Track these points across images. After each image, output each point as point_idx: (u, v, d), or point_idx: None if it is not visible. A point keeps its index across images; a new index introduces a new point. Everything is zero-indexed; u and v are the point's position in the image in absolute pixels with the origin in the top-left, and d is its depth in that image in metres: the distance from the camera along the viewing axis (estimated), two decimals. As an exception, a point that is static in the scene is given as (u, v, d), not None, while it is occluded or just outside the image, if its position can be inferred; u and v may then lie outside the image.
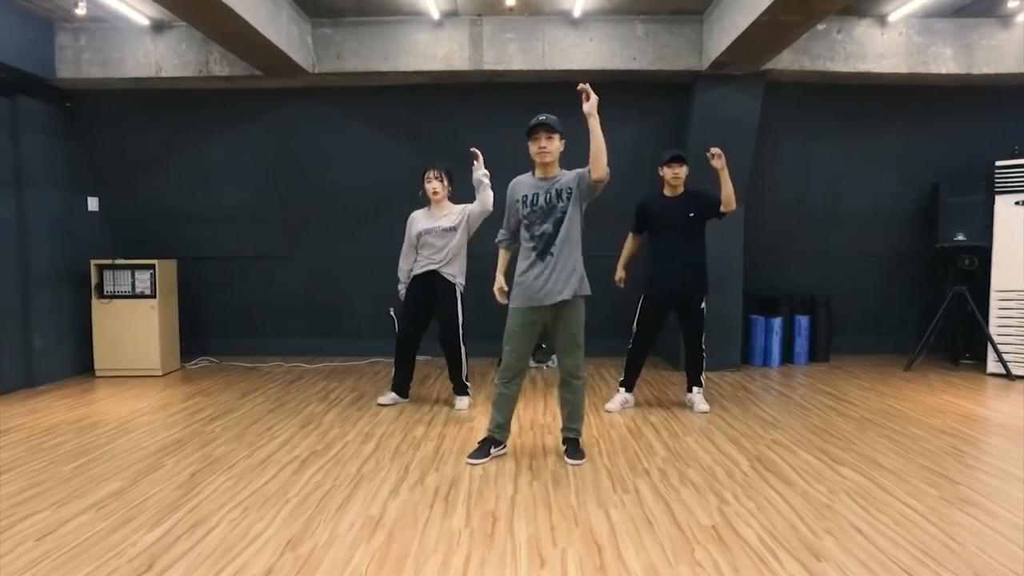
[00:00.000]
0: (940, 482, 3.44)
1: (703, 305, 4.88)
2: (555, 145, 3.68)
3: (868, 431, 4.36)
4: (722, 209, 4.66)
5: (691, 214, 4.74)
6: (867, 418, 4.68)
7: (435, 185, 4.82)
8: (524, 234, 3.77)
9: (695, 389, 4.97)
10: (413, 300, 4.94)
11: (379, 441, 4.20)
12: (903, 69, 5.59)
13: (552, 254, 3.64)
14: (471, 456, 3.81)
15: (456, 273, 4.87)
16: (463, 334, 4.90)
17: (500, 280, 4.01)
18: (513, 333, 3.77)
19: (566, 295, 3.63)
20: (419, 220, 4.92)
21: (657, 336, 5.01)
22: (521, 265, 3.75)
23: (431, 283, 4.87)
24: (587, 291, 3.72)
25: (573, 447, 3.86)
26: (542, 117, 3.65)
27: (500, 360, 3.95)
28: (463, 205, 4.86)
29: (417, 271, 4.90)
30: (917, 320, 6.96)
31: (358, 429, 4.47)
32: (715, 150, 4.62)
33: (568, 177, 3.71)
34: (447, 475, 3.58)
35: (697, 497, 3.26)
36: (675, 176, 4.76)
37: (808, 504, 3.16)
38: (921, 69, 5.59)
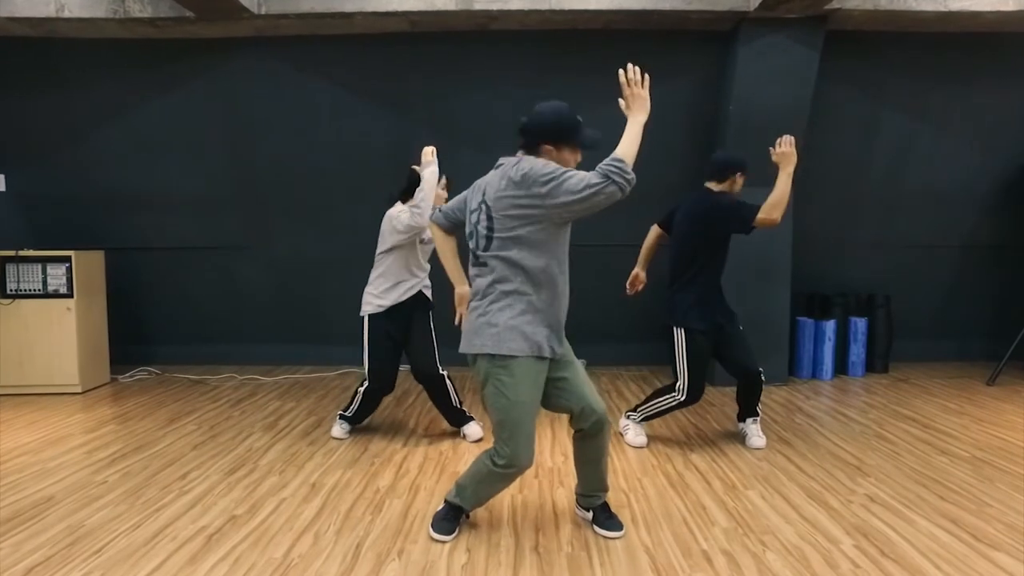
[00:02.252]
0: None
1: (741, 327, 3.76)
2: None
3: (996, 482, 3.20)
4: (759, 217, 3.42)
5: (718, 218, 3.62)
6: (982, 459, 3.53)
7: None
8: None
9: (748, 419, 3.83)
10: (389, 335, 3.78)
11: (327, 498, 3.04)
12: (1009, 6, 4.40)
13: None
14: (436, 527, 2.66)
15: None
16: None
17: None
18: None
19: None
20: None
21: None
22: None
23: (412, 307, 3.78)
24: None
25: (604, 512, 2.72)
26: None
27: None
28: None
29: (405, 297, 3.75)
30: (988, 323, 5.85)
31: (303, 477, 3.32)
32: (787, 137, 3.42)
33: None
34: (415, 564, 2.43)
35: (795, 611, 2.11)
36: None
37: (972, 627, 2.01)
38: (1033, 5, 4.42)
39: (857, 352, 5.66)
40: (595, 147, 2.48)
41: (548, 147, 2.43)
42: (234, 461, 3.56)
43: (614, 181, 2.22)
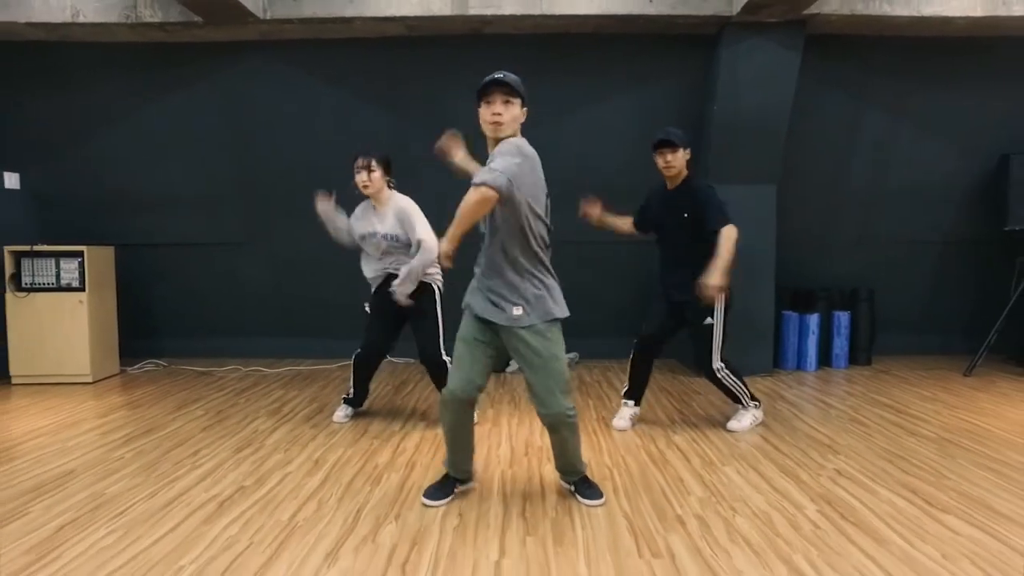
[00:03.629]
0: (1090, 539, 2.49)
1: (709, 320, 3.78)
2: (513, 113, 2.63)
3: (957, 458, 3.40)
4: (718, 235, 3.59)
5: (685, 214, 3.71)
6: (947, 439, 3.73)
7: (362, 177, 3.81)
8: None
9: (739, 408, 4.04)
10: (376, 308, 4.00)
11: (329, 472, 3.24)
12: (978, 12, 4.62)
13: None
14: (428, 495, 2.88)
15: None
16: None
17: None
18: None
19: None
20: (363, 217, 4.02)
21: (661, 344, 4.01)
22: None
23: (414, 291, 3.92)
24: None
25: (585, 483, 2.93)
26: (499, 74, 2.59)
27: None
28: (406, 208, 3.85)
29: (376, 275, 4.02)
30: (972, 317, 6.04)
31: (306, 454, 3.52)
32: (713, 282, 3.51)
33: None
34: (410, 526, 2.63)
35: (757, 564, 2.31)
36: (665, 165, 3.73)
37: (918, 577, 2.21)
38: (1001, 11, 4.62)
39: (840, 345, 5.85)
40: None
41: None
42: (241, 441, 3.76)
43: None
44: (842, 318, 5.81)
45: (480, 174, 2.49)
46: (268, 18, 4.73)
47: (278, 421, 4.18)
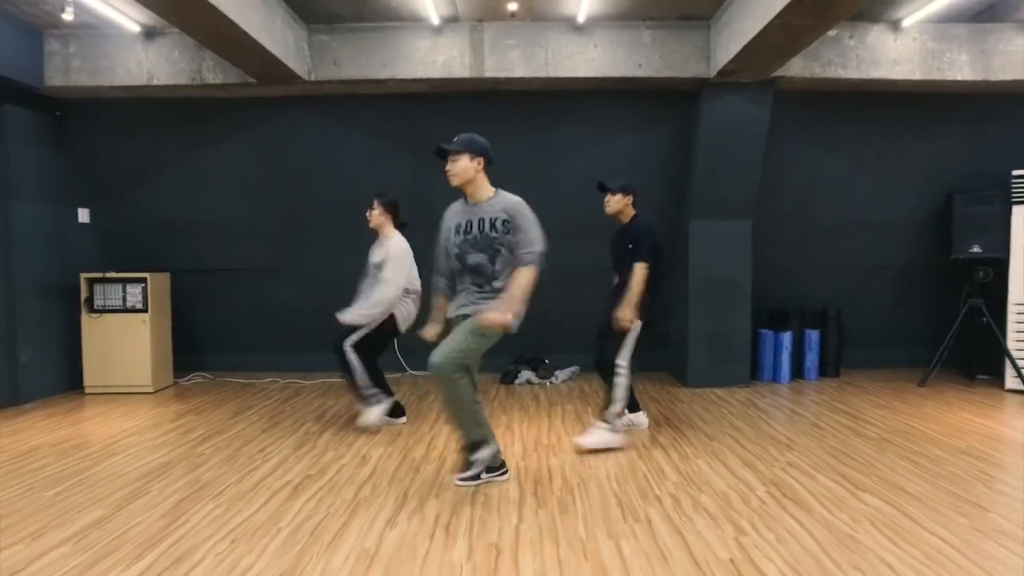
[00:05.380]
0: (970, 510, 3.24)
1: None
2: (461, 165, 3.51)
3: (889, 453, 4.16)
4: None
5: (629, 246, 4.40)
6: (886, 439, 4.48)
7: (367, 213, 4.81)
8: (455, 265, 3.60)
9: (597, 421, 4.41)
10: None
11: (376, 464, 4.00)
12: (917, 76, 5.42)
13: (495, 288, 3.50)
14: (460, 479, 3.64)
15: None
16: None
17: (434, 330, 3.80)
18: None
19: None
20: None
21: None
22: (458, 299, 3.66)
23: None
24: None
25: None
26: (443, 144, 3.52)
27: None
28: (390, 246, 4.71)
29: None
30: (930, 334, 6.77)
31: (354, 451, 4.28)
32: (620, 315, 4.25)
33: (503, 206, 3.52)
34: (448, 502, 3.39)
35: (713, 527, 3.06)
36: (605, 204, 4.54)
37: (831, 535, 2.96)
38: (936, 76, 5.42)
39: (811, 359, 6.61)
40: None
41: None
42: (297, 441, 4.52)
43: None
44: (813, 335, 6.56)
45: (532, 256, 3.39)
46: (313, 79, 5.54)
47: (324, 424, 4.94)
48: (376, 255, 4.75)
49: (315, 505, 3.35)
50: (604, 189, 4.51)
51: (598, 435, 4.29)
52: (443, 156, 3.52)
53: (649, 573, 2.63)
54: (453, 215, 3.68)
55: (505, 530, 3.04)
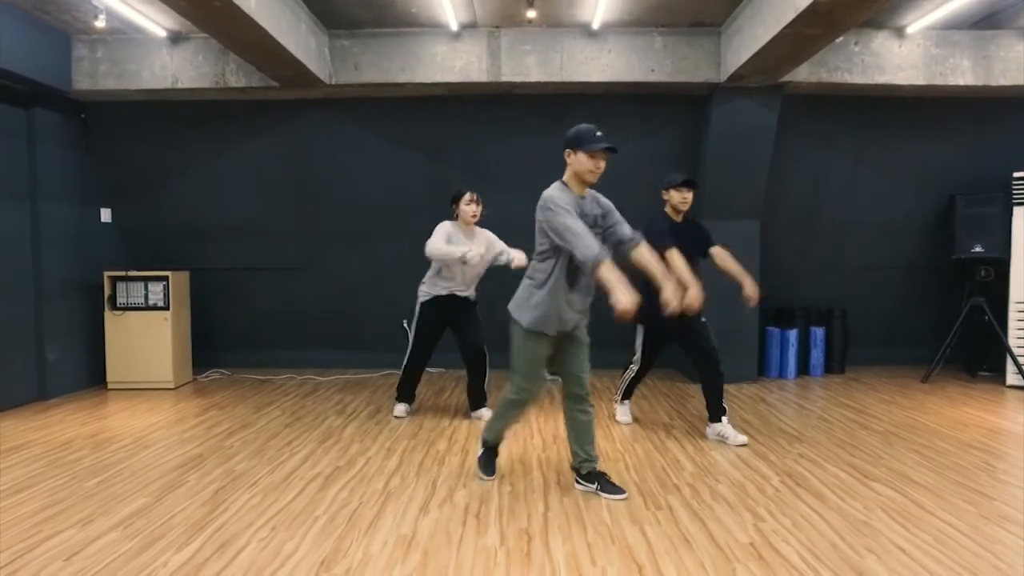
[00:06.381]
0: (976, 498, 3.39)
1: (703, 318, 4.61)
2: None
3: (895, 445, 4.31)
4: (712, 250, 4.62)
5: (695, 241, 4.62)
6: (892, 432, 4.64)
7: (474, 208, 4.78)
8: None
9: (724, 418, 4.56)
10: (436, 321, 4.95)
11: (402, 456, 4.14)
12: (920, 81, 5.58)
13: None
14: (483, 470, 3.79)
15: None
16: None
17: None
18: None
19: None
20: (456, 237, 4.79)
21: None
22: (555, 288, 3.34)
23: (455, 303, 4.91)
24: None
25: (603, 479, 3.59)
26: (609, 142, 3.29)
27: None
28: (489, 233, 4.93)
29: (442, 293, 4.89)
30: (933, 332, 6.93)
31: (379, 444, 4.42)
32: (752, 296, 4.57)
33: (598, 202, 3.45)
34: (476, 492, 3.53)
35: (731, 514, 3.21)
36: (683, 200, 4.52)
37: (845, 521, 3.11)
38: (939, 81, 5.58)
39: (817, 356, 6.77)
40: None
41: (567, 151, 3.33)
42: (322, 434, 4.66)
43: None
44: (818, 333, 6.72)
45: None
46: (334, 83, 5.68)
47: (346, 419, 5.08)
48: (486, 247, 4.76)
49: (348, 494, 3.49)
50: (693, 185, 4.55)
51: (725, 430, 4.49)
52: (598, 150, 3.28)
53: (674, 555, 2.77)
54: (572, 203, 3.28)
55: (534, 516, 3.19)
